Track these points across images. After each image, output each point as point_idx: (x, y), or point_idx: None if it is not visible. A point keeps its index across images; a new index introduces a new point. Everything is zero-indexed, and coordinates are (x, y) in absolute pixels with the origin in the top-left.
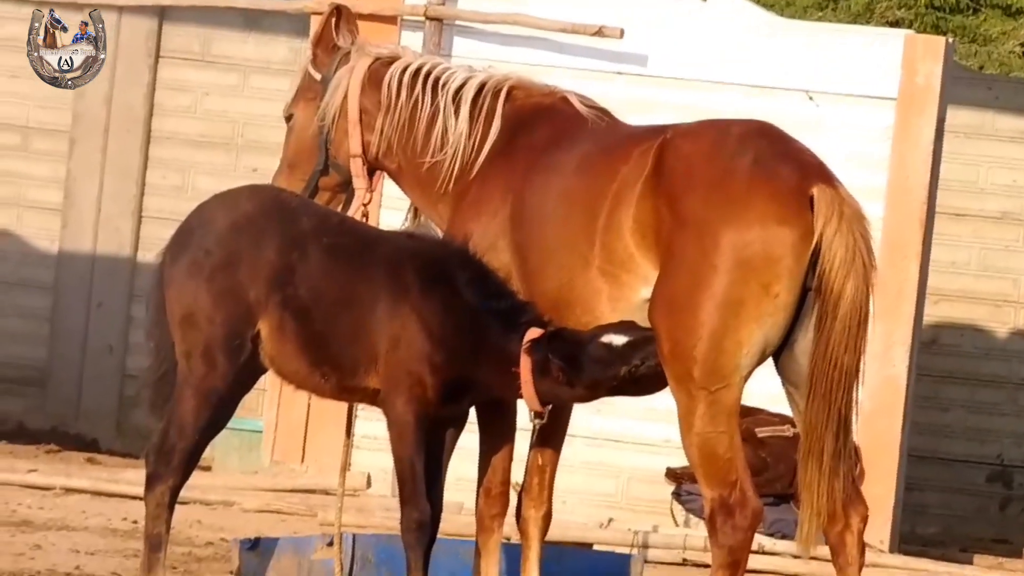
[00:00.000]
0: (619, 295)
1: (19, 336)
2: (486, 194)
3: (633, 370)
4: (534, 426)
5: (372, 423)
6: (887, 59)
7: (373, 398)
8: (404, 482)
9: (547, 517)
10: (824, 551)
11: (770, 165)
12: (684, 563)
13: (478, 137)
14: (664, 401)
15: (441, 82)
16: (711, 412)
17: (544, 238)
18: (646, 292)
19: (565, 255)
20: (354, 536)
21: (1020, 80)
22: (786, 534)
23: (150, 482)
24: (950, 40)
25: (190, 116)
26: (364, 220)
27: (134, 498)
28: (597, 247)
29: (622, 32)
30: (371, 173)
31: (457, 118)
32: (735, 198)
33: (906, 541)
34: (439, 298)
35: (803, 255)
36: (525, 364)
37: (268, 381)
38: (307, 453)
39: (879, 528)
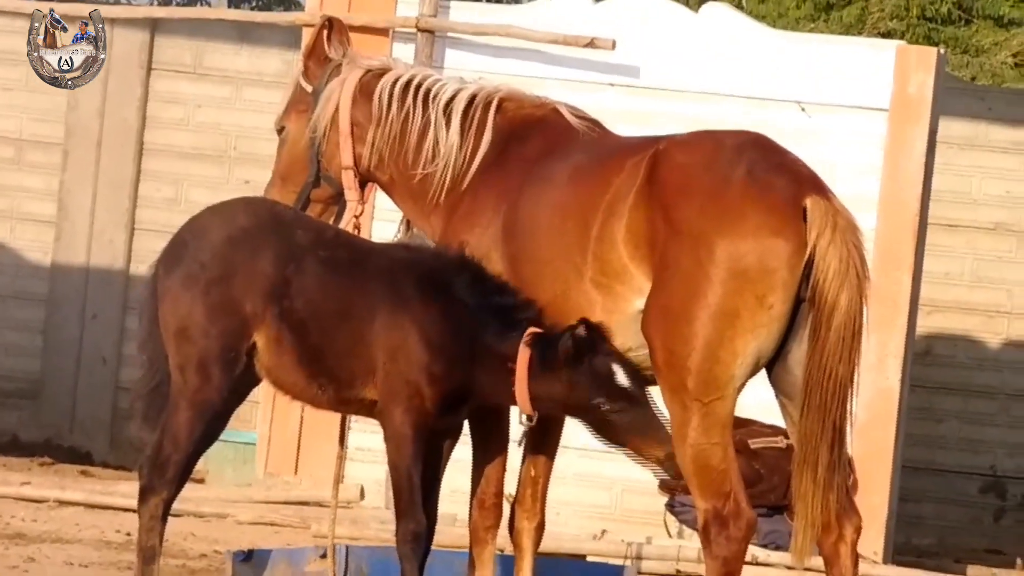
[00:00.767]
0: (613, 306)
1: (13, 348)
2: (478, 206)
3: (610, 405)
4: (523, 432)
5: (366, 435)
6: (879, 70)
7: (370, 410)
8: (400, 493)
9: (540, 528)
10: (818, 562)
11: (764, 176)
12: (678, 574)
13: (469, 149)
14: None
15: (432, 94)
16: (705, 423)
17: (537, 249)
18: (640, 303)
19: (558, 266)
20: (348, 548)
21: (1012, 91)
22: (780, 545)
23: (144, 494)
24: (942, 51)
25: (183, 128)
26: (356, 232)
27: (128, 510)
28: (590, 258)
29: (614, 44)
30: (363, 185)
31: (448, 130)
32: (729, 209)
33: (900, 552)
34: (436, 307)
35: (797, 266)
36: (523, 358)
37: (261, 393)
38: (300, 465)
39: (873, 539)
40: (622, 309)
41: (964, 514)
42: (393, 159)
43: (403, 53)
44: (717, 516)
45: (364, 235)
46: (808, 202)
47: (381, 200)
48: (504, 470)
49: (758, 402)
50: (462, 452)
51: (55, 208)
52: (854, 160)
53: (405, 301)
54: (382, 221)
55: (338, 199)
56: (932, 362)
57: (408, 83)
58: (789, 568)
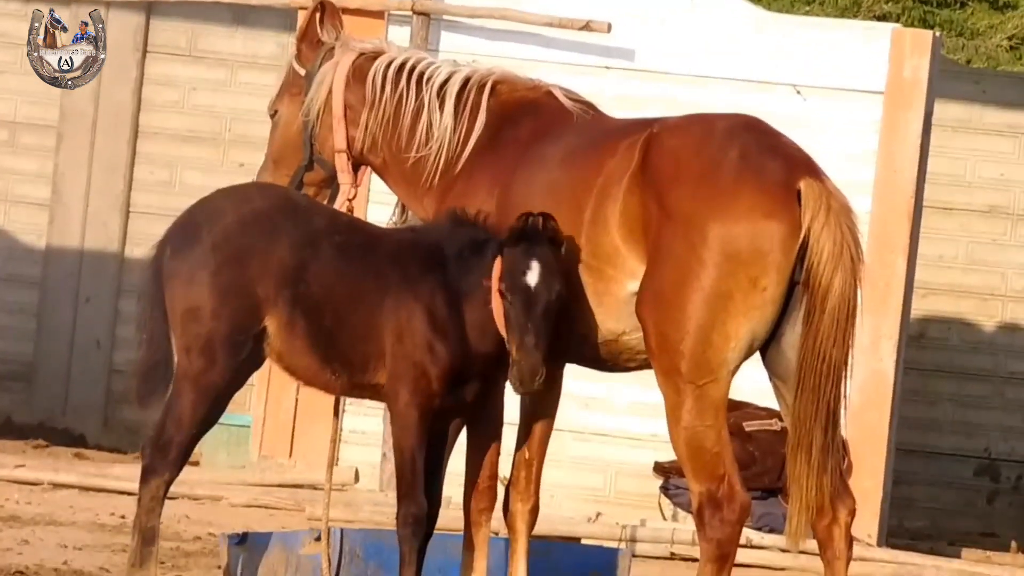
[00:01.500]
0: (604, 289)
1: (6, 331)
2: (472, 189)
3: (509, 296)
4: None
5: (360, 418)
6: (875, 53)
7: (381, 394)
8: (403, 476)
9: (534, 511)
10: (812, 545)
11: (757, 159)
12: (672, 557)
13: (463, 132)
14: (652, 395)
15: (426, 77)
16: (699, 406)
17: None
18: (632, 286)
19: None
20: (342, 531)
21: (1007, 74)
22: (774, 528)
23: (146, 475)
24: (938, 34)
25: (177, 112)
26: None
27: (122, 493)
28: (583, 240)
29: (609, 27)
30: (356, 168)
31: (442, 113)
32: (722, 192)
33: (894, 535)
34: (436, 280)
35: (791, 249)
36: (496, 270)
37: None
38: (295, 448)
39: (867, 522)
40: (613, 292)
41: (958, 497)
42: (386, 142)
43: (399, 36)
44: (711, 499)
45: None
46: (802, 184)
47: (376, 183)
48: (498, 453)
49: (752, 385)
50: (458, 435)
51: (49, 191)
52: (849, 143)
53: (409, 282)
54: (377, 204)
55: (331, 182)
56: (926, 345)
57: (402, 66)
58: (783, 551)
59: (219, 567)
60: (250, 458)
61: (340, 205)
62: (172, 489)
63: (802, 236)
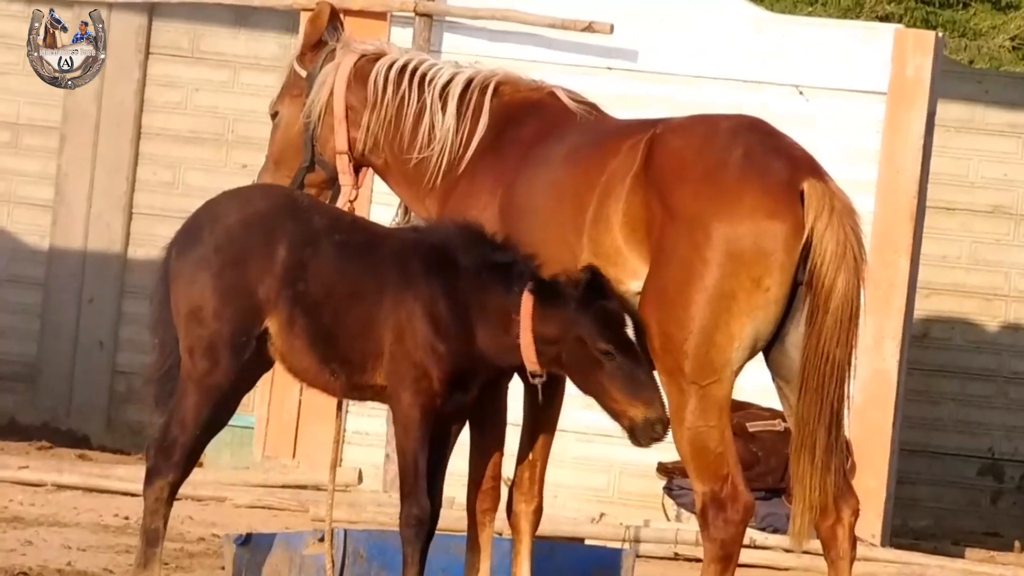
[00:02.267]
0: None
1: (9, 332)
2: (475, 189)
3: (615, 353)
4: (536, 389)
5: (363, 419)
6: (877, 54)
7: (383, 396)
8: (406, 477)
9: (538, 511)
10: (816, 545)
11: (760, 159)
12: (676, 557)
13: (466, 133)
14: None
15: (428, 78)
16: (702, 406)
17: (533, 232)
18: (635, 286)
19: (554, 249)
20: (346, 532)
21: (1010, 74)
22: (777, 528)
23: (150, 476)
24: (940, 34)
25: (180, 112)
26: None
27: (125, 494)
28: (585, 240)
29: (612, 27)
30: (357, 170)
31: (444, 114)
32: (726, 192)
33: (897, 535)
34: (438, 284)
35: (794, 249)
36: (526, 306)
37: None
38: (298, 449)
39: (870, 522)
40: None
41: (961, 496)
42: (388, 143)
43: (401, 37)
44: (715, 499)
45: None
46: (805, 185)
47: (379, 184)
48: (502, 453)
49: (756, 385)
50: (460, 435)
51: (52, 192)
52: (852, 144)
53: (410, 281)
54: (380, 205)
55: (332, 184)
56: (929, 345)
57: (403, 67)
58: (787, 551)
59: (223, 568)
60: (254, 459)
61: (341, 206)
62: None
63: (805, 236)
